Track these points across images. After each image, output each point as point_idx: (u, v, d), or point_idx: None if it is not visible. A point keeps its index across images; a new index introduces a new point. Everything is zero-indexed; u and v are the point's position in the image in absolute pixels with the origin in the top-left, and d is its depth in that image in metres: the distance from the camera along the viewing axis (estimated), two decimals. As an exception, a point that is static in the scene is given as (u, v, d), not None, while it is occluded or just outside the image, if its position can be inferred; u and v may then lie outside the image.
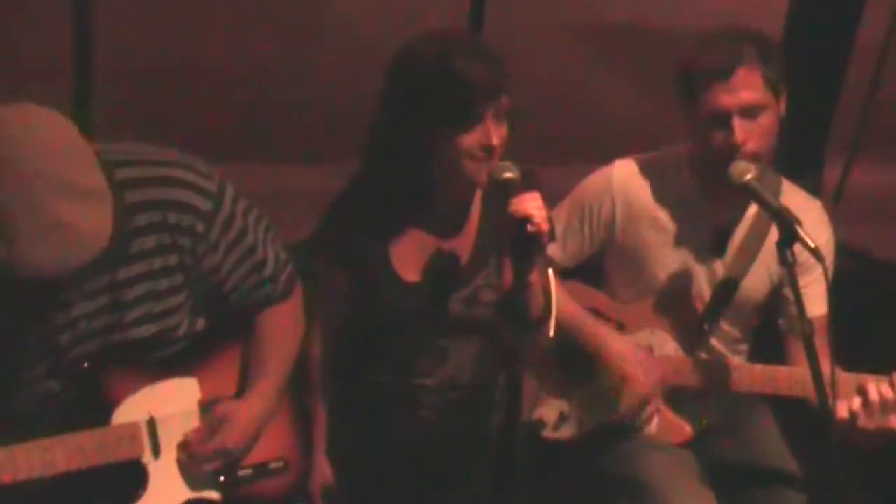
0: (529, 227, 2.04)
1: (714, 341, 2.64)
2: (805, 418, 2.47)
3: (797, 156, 3.75)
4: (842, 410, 2.35)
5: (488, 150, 2.18)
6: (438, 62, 2.17)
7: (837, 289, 3.07)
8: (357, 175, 2.38)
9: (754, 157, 2.36)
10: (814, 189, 3.97)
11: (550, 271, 2.02)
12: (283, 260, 2.26)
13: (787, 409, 2.64)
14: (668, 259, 2.59)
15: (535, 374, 2.73)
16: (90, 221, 1.73)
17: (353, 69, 3.56)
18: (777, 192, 2.55)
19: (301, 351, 2.36)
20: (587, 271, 2.79)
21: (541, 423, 2.74)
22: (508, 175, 2.14)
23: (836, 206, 5.94)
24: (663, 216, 2.59)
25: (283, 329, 2.27)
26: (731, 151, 2.36)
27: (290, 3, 4.04)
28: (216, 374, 2.23)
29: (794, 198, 2.57)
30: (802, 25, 3.78)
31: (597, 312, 2.69)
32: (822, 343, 2.49)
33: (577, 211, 2.65)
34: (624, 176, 2.62)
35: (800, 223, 2.19)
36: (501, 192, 2.13)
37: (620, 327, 2.66)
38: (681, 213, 2.57)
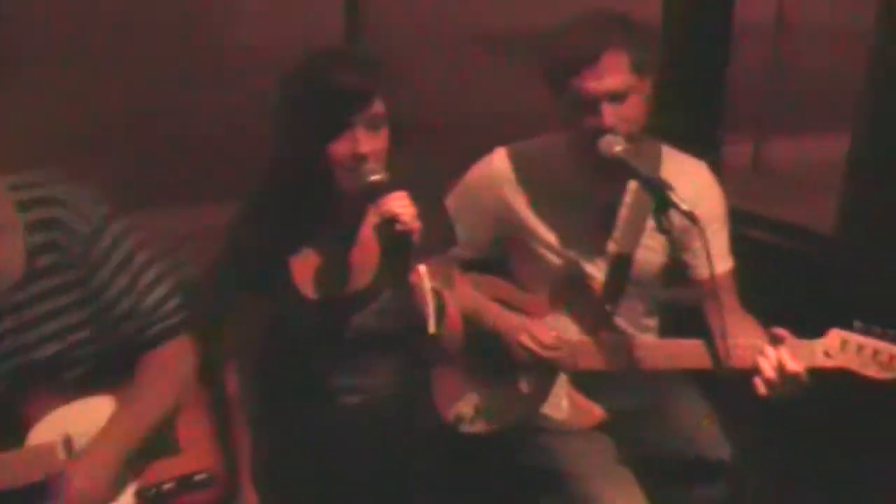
0: (397, 227, 2.04)
1: (619, 320, 2.66)
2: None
3: (692, 137, 3.82)
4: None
5: (359, 159, 2.16)
6: (308, 72, 2.19)
7: (757, 259, 3.15)
8: (251, 194, 2.37)
9: (626, 139, 2.38)
10: (714, 168, 4.07)
11: (422, 269, 2.01)
12: (169, 307, 2.25)
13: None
14: (559, 242, 2.61)
15: (449, 370, 2.74)
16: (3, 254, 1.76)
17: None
18: (657, 160, 2.58)
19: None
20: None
21: (459, 419, 2.75)
22: (375, 178, 2.13)
23: (754, 180, 6.10)
24: (547, 200, 2.60)
25: (158, 376, 2.24)
26: (601, 134, 2.38)
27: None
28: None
29: (677, 162, 2.61)
30: (679, 9, 3.84)
31: (504, 303, 2.70)
32: (731, 299, 2.57)
33: (464, 204, 2.66)
34: (504, 164, 2.64)
35: (671, 188, 2.22)
36: (370, 197, 2.13)
37: (526, 316, 2.67)
38: (564, 196, 2.59)
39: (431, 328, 2.01)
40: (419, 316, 2.04)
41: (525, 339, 2.57)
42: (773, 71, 5.91)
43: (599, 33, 2.39)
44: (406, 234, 2.05)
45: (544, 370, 2.64)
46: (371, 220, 2.32)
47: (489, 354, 2.68)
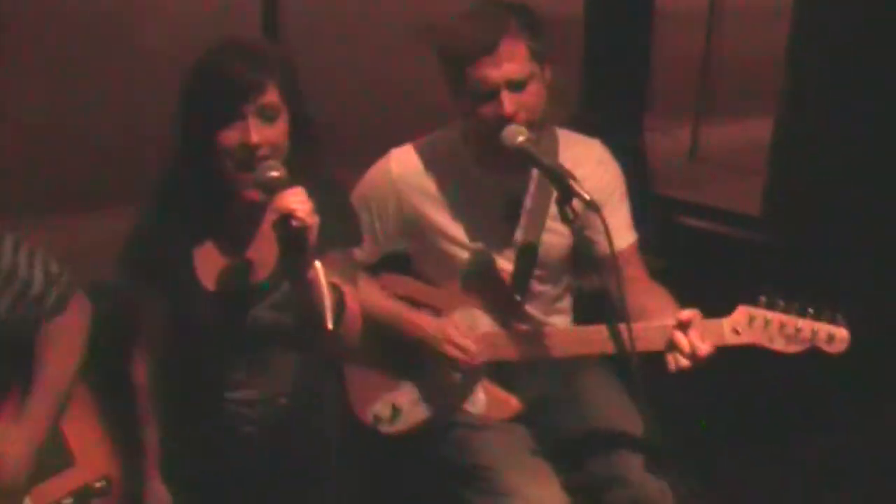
0: (293, 223, 1.99)
1: (529, 308, 2.63)
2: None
3: (614, 123, 3.82)
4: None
5: (249, 149, 2.12)
6: (203, 61, 2.16)
7: (691, 246, 3.13)
8: (154, 185, 2.33)
9: (527, 126, 2.35)
10: (635, 154, 4.07)
11: (318, 264, 1.97)
12: (52, 275, 2.24)
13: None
14: (465, 236, 2.57)
15: (362, 370, 2.70)
16: None
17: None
18: (554, 145, 2.55)
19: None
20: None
21: (376, 419, 2.71)
22: (273, 174, 2.08)
23: (692, 166, 6.11)
24: (450, 196, 2.56)
25: (55, 345, 2.25)
26: (502, 123, 2.34)
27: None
28: (12, 403, 2.21)
29: (573, 145, 2.59)
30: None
31: (412, 301, 2.66)
32: (637, 271, 2.56)
33: (364, 207, 2.61)
34: (402, 165, 2.59)
35: (573, 178, 2.20)
36: (267, 192, 2.08)
37: (436, 312, 2.63)
38: (467, 190, 2.55)
39: (328, 324, 1.96)
40: (317, 311, 1.99)
41: (451, 350, 2.53)
42: (708, 56, 5.92)
43: (496, 21, 2.36)
44: (302, 230, 2.00)
45: (467, 370, 2.59)
46: (270, 214, 2.28)
47: (403, 353, 2.64)
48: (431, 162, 2.58)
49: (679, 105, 5.98)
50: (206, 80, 2.13)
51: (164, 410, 2.40)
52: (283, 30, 3.77)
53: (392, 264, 2.75)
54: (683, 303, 2.71)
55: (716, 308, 2.54)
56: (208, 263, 2.29)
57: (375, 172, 2.63)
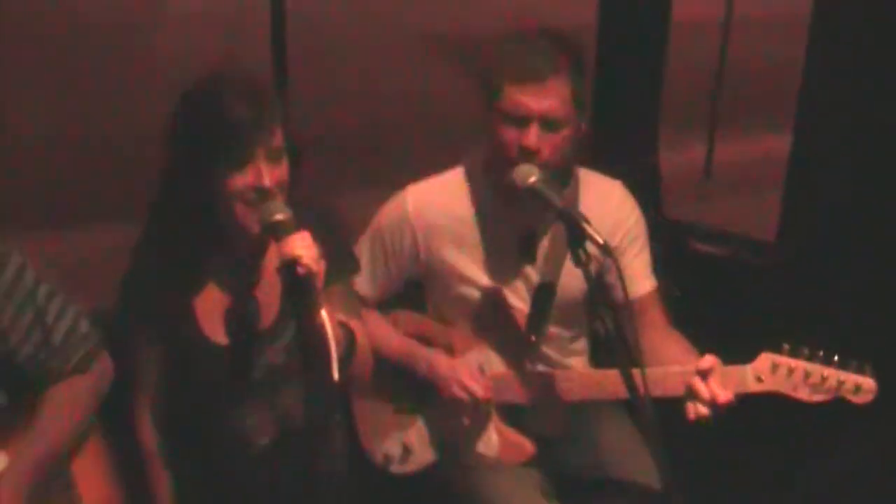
0: (299, 269, 1.93)
1: (545, 349, 2.56)
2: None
3: (629, 140, 3.75)
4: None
5: (261, 192, 2.06)
6: (206, 102, 2.07)
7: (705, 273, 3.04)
8: (147, 230, 2.25)
9: (543, 166, 2.28)
10: (652, 171, 3.99)
11: (324, 312, 1.90)
12: (80, 334, 2.18)
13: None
14: (480, 275, 2.51)
15: (372, 408, 2.63)
16: None
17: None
18: (576, 186, 2.49)
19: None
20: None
21: (387, 459, 2.65)
22: (278, 217, 2.02)
23: (707, 183, 6.02)
24: (466, 233, 2.50)
25: (70, 402, 2.18)
26: (521, 154, 2.28)
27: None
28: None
29: (593, 185, 2.52)
30: (616, 10, 3.76)
31: (423, 339, 2.60)
32: (657, 318, 2.49)
33: (379, 244, 2.56)
34: (418, 201, 2.53)
35: (586, 220, 2.13)
36: (273, 235, 2.02)
37: (449, 351, 2.56)
38: (484, 227, 2.49)
39: (335, 375, 1.90)
40: (324, 359, 1.93)
41: (458, 391, 2.46)
42: (721, 69, 5.83)
43: (551, 56, 2.30)
44: (308, 278, 1.94)
45: (477, 412, 2.53)
46: (273, 256, 2.20)
47: (414, 391, 2.57)
48: (447, 199, 2.51)
49: (691, 119, 5.89)
50: (212, 124, 2.04)
51: (173, 457, 2.34)
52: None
53: (405, 302, 2.69)
54: (697, 332, 2.66)
55: (730, 339, 2.47)
56: (211, 311, 2.22)
57: (391, 208, 2.57)
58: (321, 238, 2.02)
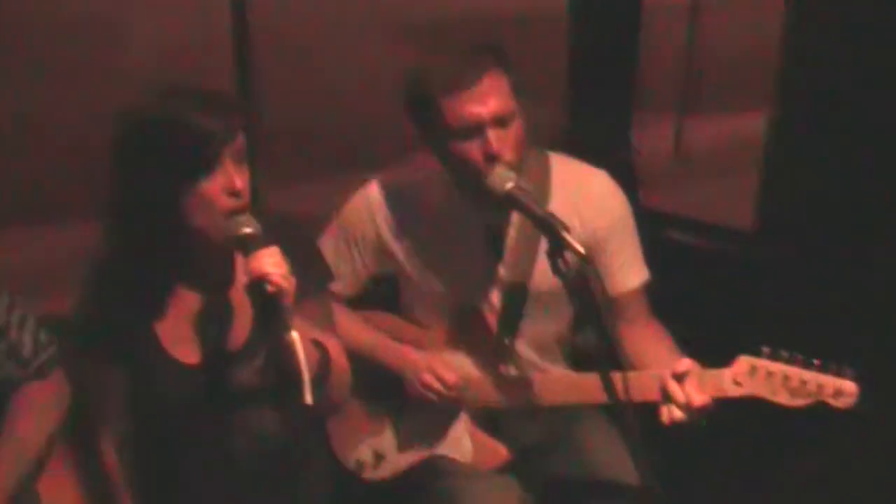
0: (268, 288, 1.85)
1: (521, 347, 2.50)
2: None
3: (603, 121, 3.69)
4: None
5: (234, 193, 1.97)
6: (164, 111, 1.98)
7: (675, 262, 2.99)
8: (103, 251, 2.13)
9: (511, 166, 2.21)
10: (625, 151, 3.93)
11: (295, 334, 1.82)
12: (42, 342, 2.16)
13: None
14: (446, 274, 2.44)
15: (344, 415, 2.57)
16: None
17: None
18: (546, 175, 2.41)
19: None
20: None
21: (360, 465, 2.60)
22: (247, 230, 1.94)
23: (676, 165, 5.97)
24: (431, 229, 2.43)
25: (31, 409, 2.17)
26: (487, 161, 2.20)
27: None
28: None
29: (571, 175, 2.43)
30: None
31: (396, 340, 2.53)
32: (642, 315, 2.43)
33: (342, 239, 2.50)
34: (381, 195, 2.46)
35: (566, 228, 2.06)
36: (241, 250, 1.94)
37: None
38: (448, 223, 2.41)
39: (308, 399, 1.82)
40: (296, 380, 1.85)
41: (428, 378, 2.40)
42: (691, 49, 5.77)
43: (476, 57, 2.23)
44: (277, 296, 1.86)
45: (446, 409, 2.47)
46: (241, 272, 2.09)
47: (385, 395, 2.52)
48: (412, 192, 2.45)
49: (661, 101, 5.83)
50: (176, 132, 1.95)
51: (140, 481, 2.27)
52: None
53: (378, 302, 2.63)
54: (674, 325, 2.61)
55: (709, 333, 2.43)
56: (176, 332, 2.13)
57: (355, 202, 2.50)
58: (290, 252, 1.94)
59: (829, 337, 2.45)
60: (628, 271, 2.43)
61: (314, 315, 2.13)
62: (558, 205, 2.31)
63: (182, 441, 2.20)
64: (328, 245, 2.50)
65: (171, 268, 2.10)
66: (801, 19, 3.36)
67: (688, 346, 2.41)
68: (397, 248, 2.46)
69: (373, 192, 2.46)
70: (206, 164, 1.96)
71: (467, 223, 2.40)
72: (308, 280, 2.05)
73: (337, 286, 2.51)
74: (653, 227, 3.65)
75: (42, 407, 2.19)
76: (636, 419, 2.19)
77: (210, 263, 2.12)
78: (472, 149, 2.21)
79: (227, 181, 1.97)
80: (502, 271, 2.43)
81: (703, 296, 3.36)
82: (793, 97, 3.40)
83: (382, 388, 2.51)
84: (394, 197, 2.45)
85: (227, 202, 1.97)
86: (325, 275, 2.27)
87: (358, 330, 2.52)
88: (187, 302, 2.13)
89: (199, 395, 2.12)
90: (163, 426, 2.20)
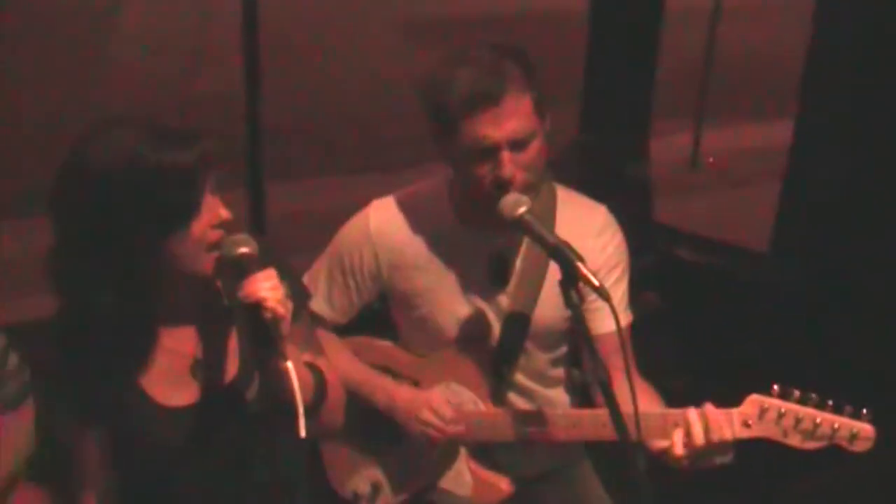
0: (265, 314, 1.75)
1: (520, 377, 2.40)
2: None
3: (621, 126, 3.60)
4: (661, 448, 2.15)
5: (221, 226, 1.87)
6: (131, 158, 1.78)
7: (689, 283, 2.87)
8: (68, 316, 1.93)
9: (526, 188, 2.12)
10: (642, 158, 3.84)
11: (290, 365, 1.72)
12: (10, 368, 2.02)
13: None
14: (446, 301, 2.34)
15: (340, 444, 2.49)
16: None
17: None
18: (552, 205, 2.32)
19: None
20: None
21: (356, 497, 2.51)
22: (243, 250, 1.83)
23: (693, 175, 5.88)
24: (432, 256, 2.33)
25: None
26: (501, 187, 2.10)
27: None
28: None
29: (574, 208, 2.35)
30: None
31: (388, 370, 2.45)
32: (621, 361, 2.30)
33: (338, 264, 2.40)
34: (381, 219, 2.36)
35: (581, 259, 1.96)
36: (235, 272, 1.82)
37: (415, 384, 2.41)
38: (450, 249, 2.32)
39: (302, 432, 1.73)
40: (290, 409, 1.76)
41: (427, 415, 2.30)
42: (710, 57, 5.66)
43: (498, 71, 2.10)
44: (274, 322, 1.77)
45: (446, 444, 2.38)
46: (211, 299, 2.01)
47: (382, 425, 2.42)
48: (413, 217, 2.35)
49: (679, 108, 5.73)
50: (153, 181, 1.78)
51: None
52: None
53: (369, 326, 2.54)
54: (681, 347, 2.51)
55: (717, 358, 2.33)
56: (158, 375, 1.99)
57: (352, 225, 2.41)
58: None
59: (845, 367, 2.35)
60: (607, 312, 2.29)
61: (302, 339, 2.03)
62: (562, 235, 2.21)
63: (170, 487, 2.08)
64: (322, 268, 2.42)
65: (146, 313, 1.95)
66: (827, 30, 3.25)
67: (691, 369, 2.31)
68: (397, 276, 2.36)
69: (372, 217, 2.37)
70: (192, 206, 1.83)
71: (471, 250, 2.31)
72: (293, 303, 1.92)
73: (326, 311, 2.44)
74: (664, 244, 3.60)
75: (9, 442, 2.06)
76: (639, 456, 2.11)
77: (187, 298, 1.98)
78: (485, 171, 2.12)
79: (213, 216, 1.86)
80: (504, 301, 2.33)
81: (712, 318, 3.27)
82: (817, 108, 3.29)
83: (381, 418, 2.42)
84: (393, 220, 2.36)
85: (213, 235, 1.87)
86: (304, 295, 2.16)
87: (346, 363, 2.42)
88: (166, 342, 2.00)
89: (194, 435, 2.01)
90: (154, 475, 2.07)
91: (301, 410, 1.72)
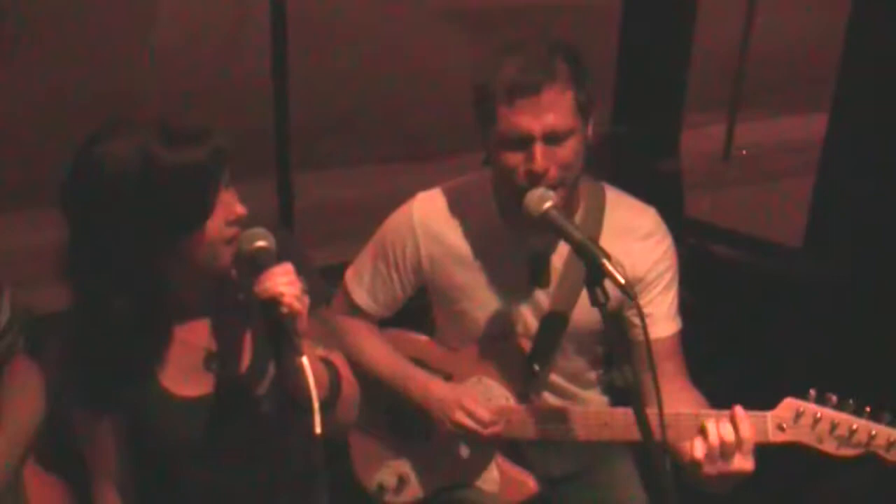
0: (282, 310, 1.74)
1: (554, 376, 2.39)
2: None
3: (654, 119, 3.55)
4: (689, 452, 2.10)
5: (237, 222, 1.86)
6: (144, 157, 1.76)
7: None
8: (82, 311, 1.93)
9: (558, 184, 2.08)
10: (674, 151, 3.78)
11: (305, 362, 1.70)
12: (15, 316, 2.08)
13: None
14: (485, 298, 2.32)
15: (368, 435, 2.48)
16: None
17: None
18: (600, 207, 2.29)
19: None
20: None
21: (381, 489, 2.50)
22: (261, 244, 1.83)
23: (726, 167, 5.81)
24: (474, 251, 2.31)
25: (25, 382, 2.10)
26: (530, 179, 2.08)
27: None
28: None
29: (622, 210, 2.31)
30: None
31: (422, 363, 2.43)
32: (673, 366, 2.28)
33: (382, 255, 2.38)
34: (426, 212, 2.34)
35: (607, 256, 1.93)
36: (252, 267, 1.81)
37: (447, 378, 2.40)
38: (492, 246, 2.29)
39: (317, 429, 1.71)
40: (305, 406, 1.74)
41: (461, 417, 2.28)
42: (745, 47, 5.58)
43: (544, 63, 2.07)
44: (290, 319, 1.75)
45: (477, 444, 2.37)
46: (225, 291, 1.99)
47: (413, 419, 2.41)
48: (457, 211, 2.33)
49: (713, 100, 5.66)
50: (170, 176, 1.77)
51: None
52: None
53: (405, 320, 2.53)
54: (712, 346, 2.48)
55: (749, 356, 2.28)
56: (173, 368, 1.99)
57: (397, 217, 2.39)
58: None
59: (881, 367, 2.30)
60: (662, 319, 2.29)
61: (317, 333, 1.99)
62: (609, 238, 2.21)
63: (186, 478, 2.08)
64: (366, 259, 2.41)
65: (160, 308, 1.94)
66: (863, 21, 3.18)
67: (726, 369, 2.27)
68: (437, 270, 2.34)
69: (416, 210, 2.35)
70: (207, 205, 1.82)
71: (513, 247, 2.29)
72: (310, 297, 1.89)
73: (369, 304, 2.43)
74: (697, 240, 3.55)
75: (22, 383, 2.13)
76: (667, 459, 2.09)
77: (201, 291, 1.98)
78: (518, 162, 2.09)
79: (229, 212, 1.85)
80: (544, 300, 2.31)
81: (745, 316, 3.23)
82: (852, 101, 3.23)
83: (409, 408, 2.40)
84: (437, 213, 2.33)
85: (230, 232, 1.86)
86: (322, 288, 2.13)
87: (384, 355, 2.42)
88: (180, 334, 2.00)
89: (207, 427, 2.01)
90: (166, 466, 2.08)
91: (316, 405, 1.69)
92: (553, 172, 2.09)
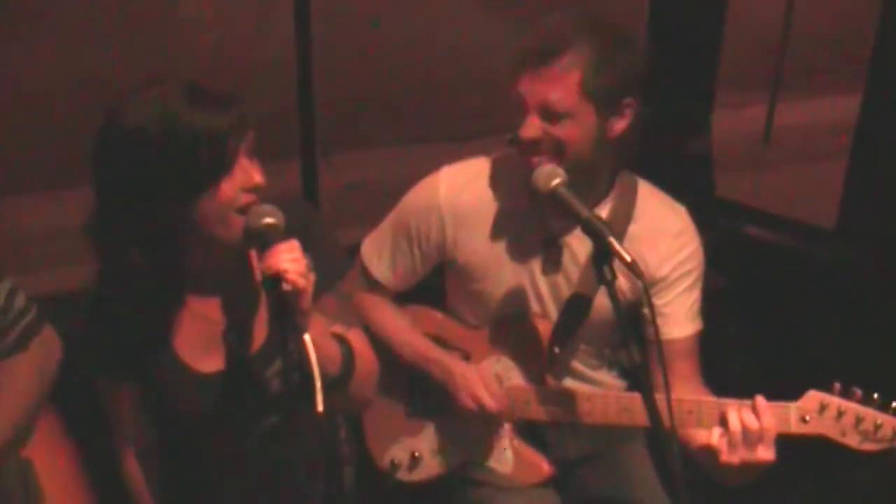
0: (284, 286, 1.71)
1: (574, 361, 2.35)
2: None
3: (684, 100, 3.45)
4: (703, 439, 2.06)
5: (254, 190, 1.84)
6: (165, 114, 1.79)
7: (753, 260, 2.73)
8: (105, 274, 1.97)
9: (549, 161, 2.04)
10: (704, 131, 3.69)
11: (308, 339, 1.68)
12: (16, 309, 2.07)
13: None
14: (506, 277, 2.27)
15: (382, 411, 2.44)
16: None
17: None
18: (631, 201, 2.23)
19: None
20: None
21: (394, 465, 2.47)
22: (268, 220, 1.80)
23: (766, 150, 5.68)
24: (498, 227, 2.26)
25: (10, 384, 2.07)
26: (512, 141, 2.07)
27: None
28: None
29: (654, 205, 2.26)
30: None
31: (440, 340, 2.39)
32: (688, 368, 2.24)
33: (404, 229, 2.33)
34: (451, 187, 2.28)
35: (614, 234, 1.89)
36: (259, 243, 1.79)
37: (465, 357, 2.36)
38: (516, 225, 2.25)
39: (319, 407, 1.68)
40: (309, 377, 1.70)
41: (466, 400, 2.25)
42: (787, 25, 5.44)
43: (559, 40, 2.01)
44: (293, 295, 1.72)
45: (493, 422, 2.33)
46: (255, 268, 1.98)
47: (428, 397, 2.38)
48: (481, 186, 2.28)
49: (752, 79, 5.53)
50: (188, 136, 1.78)
51: (165, 491, 2.18)
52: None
53: (424, 296, 2.49)
54: (742, 325, 2.41)
55: (779, 336, 2.21)
56: (190, 341, 1.99)
57: (421, 191, 2.34)
58: (306, 244, 1.79)
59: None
60: (682, 319, 2.24)
61: (334, 310, 1.99)
62: (638, 232, 2.19)
63: (206, 450, 2.10)
64: (386, 233, 2.37)
65: (178, 276, 1.95)
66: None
67: (753, 352, 2.21)
68: (460, 247, 2.29)
69: (442, 185, 2.29)
70: (224, 166, 1.81)
71: (532, 228, 2.24)
72: (326, 273, 1.89)
73: (389, 277, 2.40)
74: (730, 221, 3.47)
75: (22, 381, 2.09)
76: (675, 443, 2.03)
77: (220, 265, 1.97)
78: (515, 126, 2.06)
79: (246, 179, 1.83)
80: (564, 283, 2.26)
81: (777, 297, 3.15)
82: (886, 86, 3.13)
83: (426, 388, 2.36)
84: (463, 189, 2.28)
85: (245, 199, 1.84)
86: (343, 265, 2.12)
87: (404, 331, 2.39)
88: (199, 308, 2.00)
89: (220, 402, 2.00)
90: (186, 437, 2.10)
91: (318, 384, 1.67)
92: (544, 147, 2.05)
